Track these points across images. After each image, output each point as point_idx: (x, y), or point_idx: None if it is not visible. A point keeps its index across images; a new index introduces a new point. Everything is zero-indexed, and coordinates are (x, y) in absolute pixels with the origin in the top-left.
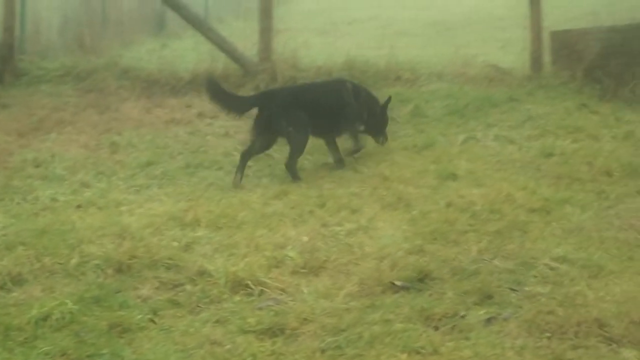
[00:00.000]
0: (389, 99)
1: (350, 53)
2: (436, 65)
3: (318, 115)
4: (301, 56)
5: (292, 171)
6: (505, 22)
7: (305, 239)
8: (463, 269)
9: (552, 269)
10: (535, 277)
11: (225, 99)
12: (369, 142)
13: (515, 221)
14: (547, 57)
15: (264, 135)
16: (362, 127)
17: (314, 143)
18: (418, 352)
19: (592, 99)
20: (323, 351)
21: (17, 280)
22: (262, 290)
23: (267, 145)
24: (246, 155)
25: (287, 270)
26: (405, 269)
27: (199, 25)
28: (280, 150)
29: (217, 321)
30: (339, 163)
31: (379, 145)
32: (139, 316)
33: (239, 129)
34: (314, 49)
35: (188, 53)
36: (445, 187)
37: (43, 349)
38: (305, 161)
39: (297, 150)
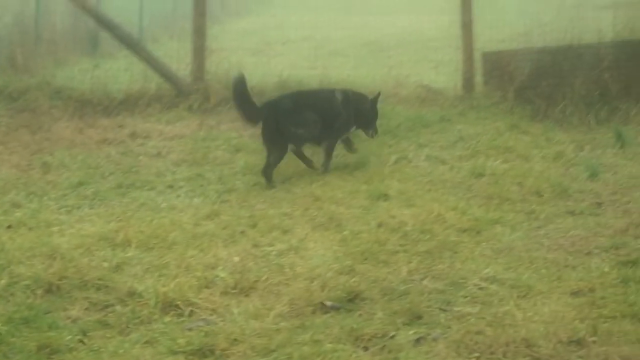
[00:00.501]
0: (379, 94)
1: (284, 73)
2: (369, 85)
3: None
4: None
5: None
6: (438, 43)
7: (236, 259)
8: (393, 289)
9: (481, 289)
10: (465, 297)
11: (245, 104)
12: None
13: (446, 241)
14: (478, 78)
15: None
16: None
17: (250, 160)
18: None
19: (523, 120)
20: None
21: None
22: (192, 310)
23: (282, 155)
24: (267, 171)
25: (217, 290)
26: (335, 289)
27: (132, 45)
28: (213, 171)
29: (146, 342)
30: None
31: (369, 138)
32: (69, 337)
33: (171, 149)
34: (247, 68)
35: (121, 73)
36: (376, 207)
37: None
38: (237, 181)
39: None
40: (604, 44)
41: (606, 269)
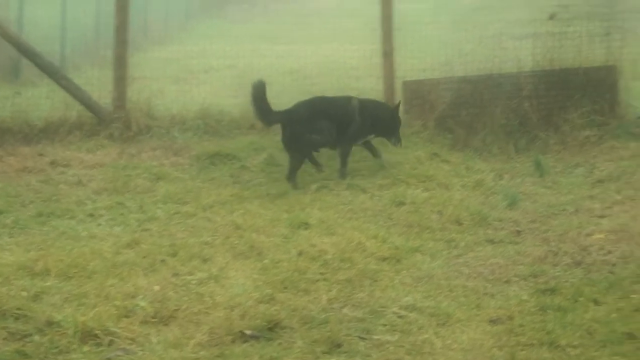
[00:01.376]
0: (399, 103)
1: (206, 101)
2: None
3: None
4: (156, 104)
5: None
6: (360, 72)
7: (156, 288)
8: (313, 317)
9: (400, 317)
10: (384, 325)
11: (262, 106)
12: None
13: (366, 270)
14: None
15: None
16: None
17: (170, 189)
18: None
19: (444, 148)
20: None
21: None
22: (111, 340)
23: (302, 159)
24: (291, 176)
25: (137, 319)
26: (255, 318)
27: (53, 73)
28: (133, 200)
29: None
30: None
31: (393, 146)
32: None
33: (91, 178)
34: (169, 97)
35: (42, 101)
36: (297, 235)
37: None
38: (158, 210)
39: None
40: (523, 73)
41: (524, 297)
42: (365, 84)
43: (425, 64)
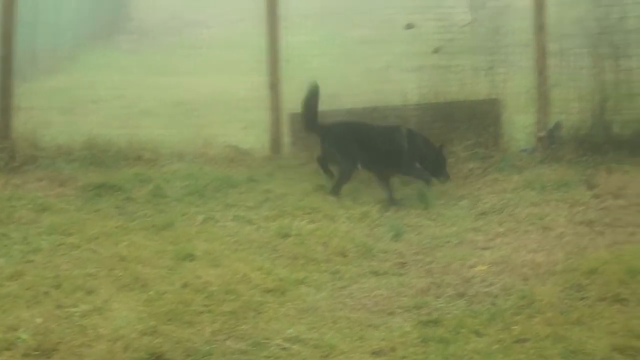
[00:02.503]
0: (442, 144)
1: (93, 132)
2: (178, 145)
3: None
4: (42, 135)
5: (335, 191)
6: (248, 104)
7: (39, 320)
8: (196, 349)
9: (284, 349)
10: (267, 357)
11: (309, 112)
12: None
13: (250, 302)
14: (286, 139)
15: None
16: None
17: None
18: None
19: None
20: None
21: None
22: None
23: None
24: (334, 189)
25: (18, 352)
26: (138, 350)
27: None
28: (17, 231)
29: None
30: (389, 201)
31: (441, 184)
32: None
33: None
34: (55, 127)
35: None
36: (182, 267)
37: None
38: (42, 241)
39: (342, 177)
40: (409, 106)
41: (407, 329)
42: (253, 116)
43: None
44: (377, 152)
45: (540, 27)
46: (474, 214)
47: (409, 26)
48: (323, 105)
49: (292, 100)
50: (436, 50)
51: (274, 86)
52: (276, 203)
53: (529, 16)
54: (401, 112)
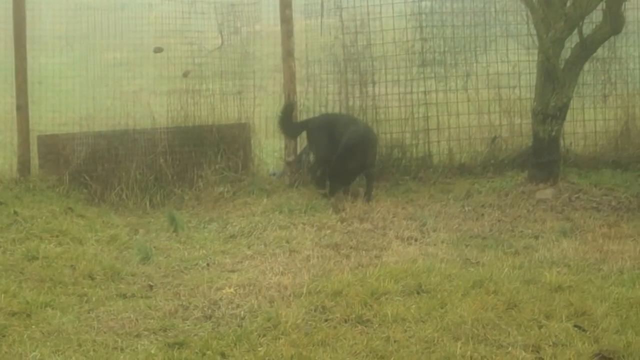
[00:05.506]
0: None
1: None
2: None
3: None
4: None
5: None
6: None
7: None
8: None
9: None
10: None
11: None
12: None
13: None
14: (35, 161)
15: None
16: None
17: None
18: None
19: (79, 203)
20: None
21: None
22: None
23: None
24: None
25: None
26: None
27: None
28: None
29: None
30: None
31: None
32: None
33: None
34: None
35: None
36: None
37: None
38: None
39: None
40: (158, 129)
41: (153, 351)
42: (3, 138)
43: (66, 118)
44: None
45: (288, 53)
46: (222, 237)
47: (157, 50)
48: (76, 127)
49: (43, 122)
50: (185, 74)
51: (22, 108)
52: (24, 225)
53: (279, 42)
54: (150, 136)
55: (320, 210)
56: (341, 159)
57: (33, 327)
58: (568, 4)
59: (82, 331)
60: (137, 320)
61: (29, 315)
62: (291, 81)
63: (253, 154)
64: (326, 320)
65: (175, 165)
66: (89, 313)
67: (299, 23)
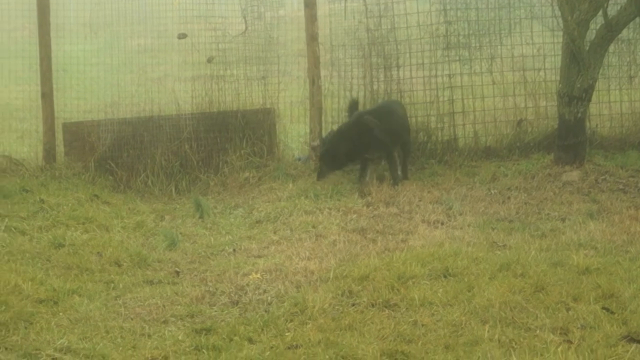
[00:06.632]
0: None
1: None
2: None
3: None
4: None
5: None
6: (23, 113)
7: None
8: None
9: (54, 359)
10: None
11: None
12: None
13: (22, 312)
14: (60, 149)
15: None
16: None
17: None
18: None
19: (105, 190)
20: None
21: None
22: None
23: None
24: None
25: None
26: None
27: None
28: None
29: None
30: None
31: None
32: None
33: None
34: None
35: None
36: None
37: None
38: None
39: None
40: (183, 115)
41: (180, 337)
42: (29, 126)
43: (91, 106)
44: None
45: (312, 38)
46: (248, 222)
47: (181, 36)
48: (101, 115)
49: (68, 110)
50: (209, 60)
51: (47, 95)
52: (50, 213)
53: (303, 27)
54: (175, 122)
55: (346, 195)
56: (332, 144)
57: (60, 314)
58: None
59: (109, 318)
60: (164, 306)
61: (56, 303)
62: (315, 66)
63: (278, 139)
64: (353, 305)
65: (200, 151)
66: (116, 300)
67: (322, 7)
